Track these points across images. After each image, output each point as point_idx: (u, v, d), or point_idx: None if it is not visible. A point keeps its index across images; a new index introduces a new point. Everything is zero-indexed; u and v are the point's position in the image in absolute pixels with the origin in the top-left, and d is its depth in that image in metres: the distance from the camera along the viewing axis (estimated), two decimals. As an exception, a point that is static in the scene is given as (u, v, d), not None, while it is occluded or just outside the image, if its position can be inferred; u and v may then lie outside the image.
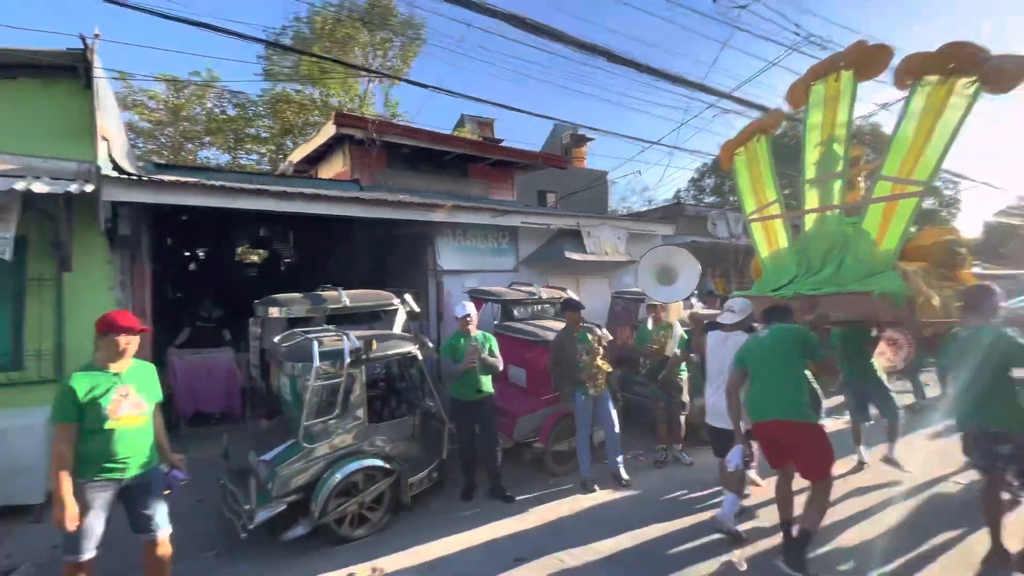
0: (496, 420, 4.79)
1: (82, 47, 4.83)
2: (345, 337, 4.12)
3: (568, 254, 7.85)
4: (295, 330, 4.40)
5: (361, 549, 3.91)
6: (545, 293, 6.60)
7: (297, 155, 11.66)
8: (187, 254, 12.67)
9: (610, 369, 5.05)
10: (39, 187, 4.40)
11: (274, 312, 4.65)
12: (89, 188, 4.70)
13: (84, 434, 2.74)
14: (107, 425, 2.76)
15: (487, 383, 4.70)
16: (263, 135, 20.25)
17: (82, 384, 2.75)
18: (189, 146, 19.87)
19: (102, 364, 2.84)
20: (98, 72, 5.00)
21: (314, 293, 4.98)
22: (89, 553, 2.77)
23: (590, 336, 4.98)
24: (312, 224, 10.97)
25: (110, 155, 4.93)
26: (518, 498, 4.72)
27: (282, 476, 3.74)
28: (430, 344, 4.93)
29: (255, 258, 16.44)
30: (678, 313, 5.75)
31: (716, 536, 3.93)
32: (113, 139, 5.55)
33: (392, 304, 5.31)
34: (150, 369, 3.06)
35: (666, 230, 9.70)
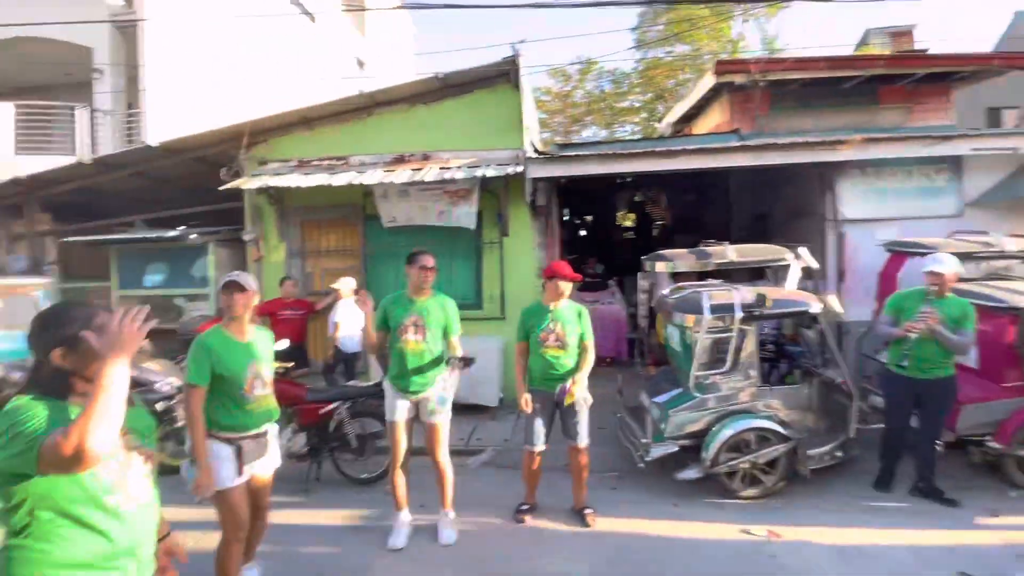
0: (947, 408, 3.82)
1: (512, 55, 6.02)
2: (736, 291, 3.99)
3: (1054, 189, 5.45)
4: (684, 283, 4.52)
5: (752, 509, 3.82)
6: (1012, 244, 4.81)
7: (673, 115, 11.80)
8: (576, 222, 14.69)
9: None
10: (491, 172, 5.82)
11: (660, 267, 4.88)
12: (520, 169, 5.91)
13: (530, 353, 3.54)
14: (540, 349, 3.50)
15: (945, 361, 3.73)
16: (635, 105, 21.38)
17: (528, 314, 3.60)
18: (574, 128, 22.76)
19: (545, 301, 3.57)
20: (523, 73, 6.15)
21: (699, 248, 4.99)
22: (538, 446, 3.59)
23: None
24: (685, 183, 11.04)
25: (532, 140, 6.07)
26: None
27: (675, 419, 3.95)
28: (837, 306, 4.28)
29: (630, 222, 17.76)
30: None
31: None
32: (532, 127, 6.80)
33: (783, 259, 4.83)
34: (582, 311, 3.63)
35: None
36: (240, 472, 2.62)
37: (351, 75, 14.91)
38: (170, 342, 5.45)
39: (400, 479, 3.44)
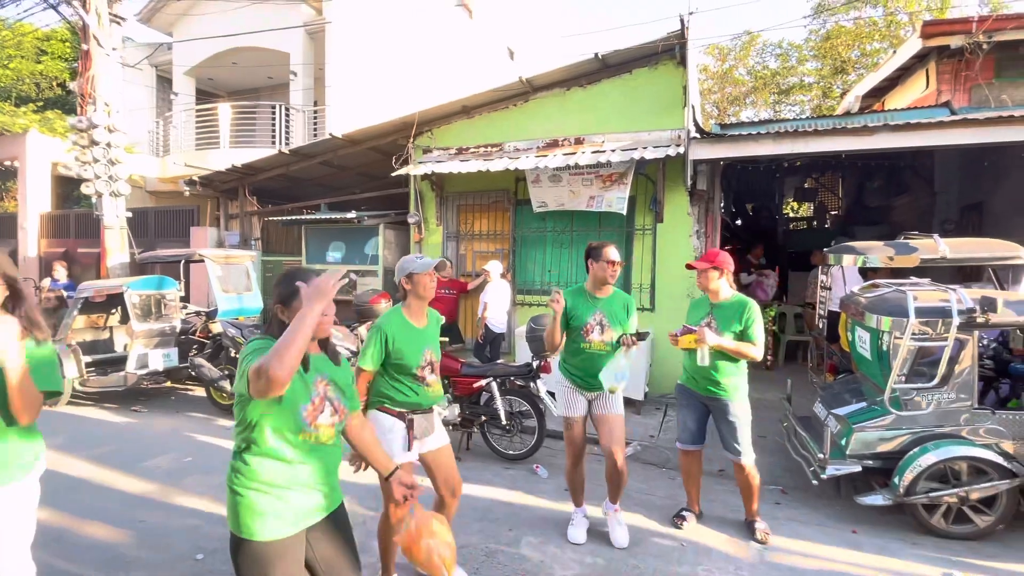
0: None
1: (679, 28, 5.63)
2: (952, 292, 3.34)
3: None
4: (879, 280, 3.90)
5: (956, 549, 3.22)
6: None
7: (861, 87, 10.30)
8: (734, 210, 13.52)
9: None
10: (650, 154, 5.55)
11: (848, 261, 4.26)
12: (680, 150, 5.56)
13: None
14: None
15: None
16: (807, 80, 19.07)
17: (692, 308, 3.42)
18: (732, 109, 20.97)
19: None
20: (691, 47, 5.75)
21: (900, 241, 4.26)
22: (685, 445, 3.43)
23: None
24: (870, 168, 9.59)
25: (694, 119, 5.67)
26: None
27: (860, 436, 3.45)
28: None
29: (798, 212, 15.97)
30: None
31: None
32: (696, 106, 6.34)
33: (1019, 257, 3.93)
34: (745, 305, 3.23)
35: None
36: (408, 447, 2.57)
37: (503, 65, 15.32)
38: (346, 312, 6.09)
39: (578, 475, 3.28)
